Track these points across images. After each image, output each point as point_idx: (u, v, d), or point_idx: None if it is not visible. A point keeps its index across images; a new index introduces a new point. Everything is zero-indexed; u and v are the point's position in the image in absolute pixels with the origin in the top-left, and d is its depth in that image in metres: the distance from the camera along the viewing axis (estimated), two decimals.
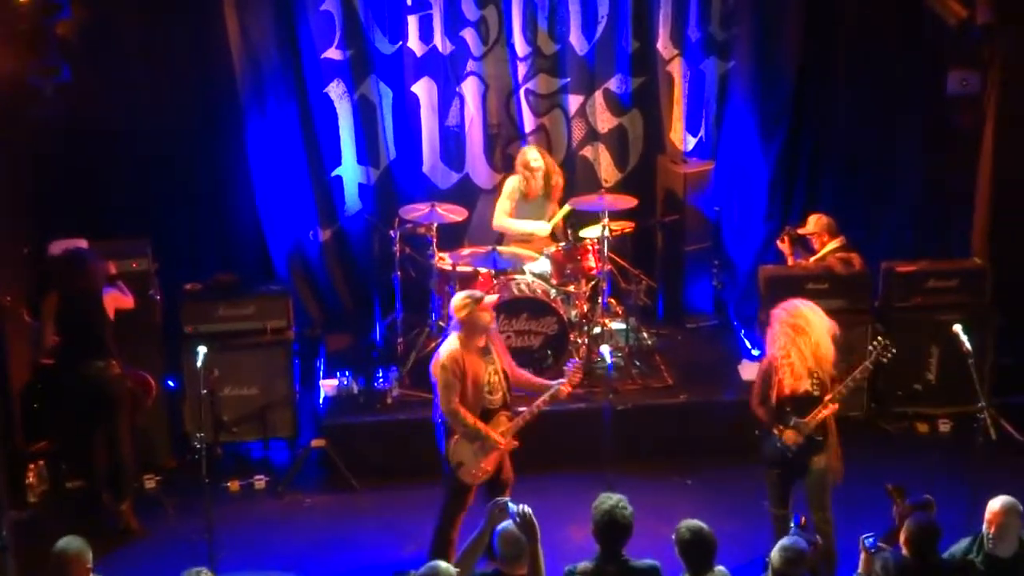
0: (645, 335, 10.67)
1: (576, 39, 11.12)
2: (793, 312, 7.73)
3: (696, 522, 6.13)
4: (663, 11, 11.10)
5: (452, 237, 10.76)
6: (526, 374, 8.40)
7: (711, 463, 9.45)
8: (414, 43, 10.97)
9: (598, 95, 11.31)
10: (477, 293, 7.94)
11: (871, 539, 6.52)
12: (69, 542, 6.30)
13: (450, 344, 7.75)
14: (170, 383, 9.88)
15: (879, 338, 7.92)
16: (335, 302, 11.47)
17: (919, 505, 7.28)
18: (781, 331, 7.71)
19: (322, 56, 10.88)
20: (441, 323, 9.84)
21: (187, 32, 10.39)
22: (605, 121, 11.39)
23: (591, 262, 10.10)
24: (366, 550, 8.70)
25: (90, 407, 8.82)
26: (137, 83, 10.22)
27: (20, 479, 9.10)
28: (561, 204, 10.53)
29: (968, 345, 8.06)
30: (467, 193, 11.23)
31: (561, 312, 9.83)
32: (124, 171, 10.48)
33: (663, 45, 11.22)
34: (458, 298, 7.86)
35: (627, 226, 10.42)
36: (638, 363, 10.28)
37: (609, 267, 10.14)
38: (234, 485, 9.54)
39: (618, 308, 10.50)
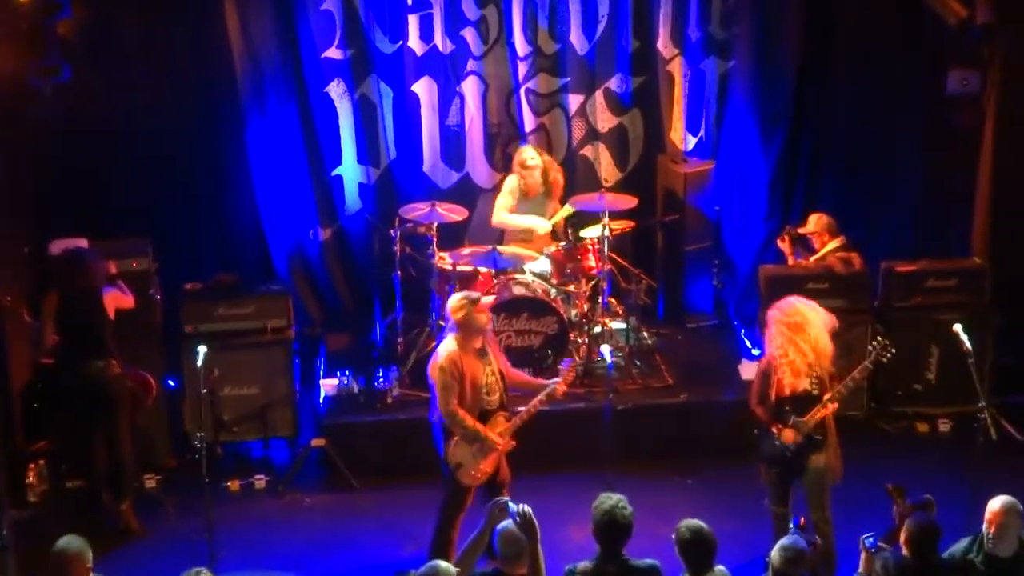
0: (645, 335, 10.68)
1: (576, 38, 11.12)
2: (788, 310, 7.73)
3: (696, 522, 6.14)
4: (663, 10, 11.10)
5: (452, 237, 10.76)
6: (521, 374, 8.42)
7: (711, 463, 9.45)
8: (414, 42, 10.97)
9: (598, 94, 11.31)
10: (473, 294, 7.93)
11: (871, 539, 6.53)
12: (69, 542, 6.30)
13: (448, 346, 7.73)
14: (170, 382, 9.88)
15: (878, 338, 7.93)
16: (335, 301, 11.48)
17: (919, 505, 7.28)
18: (778, 330, 7.72)
19: (322, 56, 10.89)
20: (441, 322, 9.81)
21: (187, 32, 10.39)
22: (605, 120, 11.39)
23: (591, 262, 10.11)
24: (366, 550, 8.71)
25: (90, 406, 8.82)
26: (137, 83, 10.21)
27: (20, 478, 9.10)
28: (562, 202, 10.52)
29: (968, 345, 8.07)
30: (467, 193, 11.23)
31: (561, 312, 9.83)
32: (124, 171, 10.48)
33: (663, 44, 11.22)
34: (454, 300, 7.85)
35: (627, 225, 10.43)
36: (638, 363, 10.28)
37: (609, 267, 10.14)
38: (234, 484, 9.54)
39: (618, 308, 10.50)
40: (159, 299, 9.67)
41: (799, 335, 7.64)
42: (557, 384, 8.05)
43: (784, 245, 10.40)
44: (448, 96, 11.12)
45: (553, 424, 9.58)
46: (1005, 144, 10.36)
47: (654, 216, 11.10)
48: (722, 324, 11.37)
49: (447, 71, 11.05)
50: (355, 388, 10.02)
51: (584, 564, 6.16)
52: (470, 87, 11.13)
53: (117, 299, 8.92)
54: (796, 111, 11.37)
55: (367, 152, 11.22)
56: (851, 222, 10.60)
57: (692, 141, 11.53)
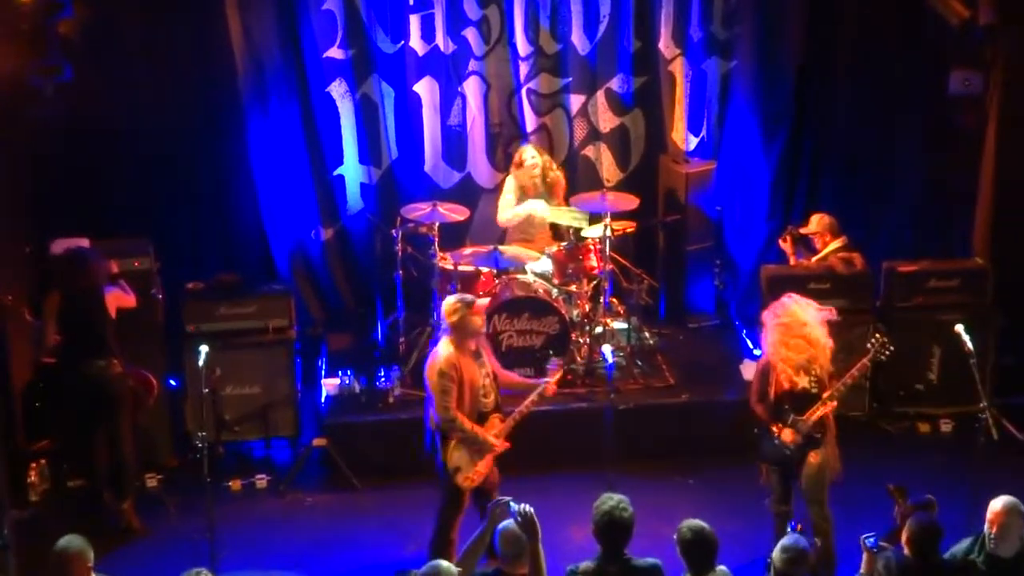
0: (647, 335, 10.67)
1: (578, 38, 11.12)
2: (780, 311, 7.76)
3: (698, 522, 6.13)
4: (665, 10, 11.09)
5: (454, 236, 10.76)
6: (512, 375, 8.41)
7: (713, 463, 9.45)
8: (416, 42, 10.97)
9: (600, 95, 11.31)
10: (468, 297, 7.91)
11: (872, 539, 6.52)
12: (70, 541, 6.30)
13: (445, 349, 7.69)
14: (172, 382, 9.89)
15: (877, 335, 7.92)
16: (337, 301, 11.48)
17: (920, 505, 7.28)
18: (772, 330, 7.75)
19: (324, 55, 10.88)
20: None
21: (189, 31, 10.39)
22: (607, 121, 11.39)
23: (593, 262, 10.11)
24: (368, 549, 8.71)
25: (91, 406, 8.82)
26: (139, 82, 10.21)
27: (22, 478, 9.10)
28: (564, 202, 10.53)
29: (970, 345, 8.06)
30: (469, 192, 11.23)
31: (563, 312, 9.83)
32: (126, 170, 10.49)
33: (665, 45, 11.22)
34: (449, 302, 7.81)
35: (629, 226, 10.42)
36: (640, 363, 10.28)
37: (611, 267, 10.13)
38: (236, 484, 9.54)
39: (620, 308, 10.50)
40: (161, 298, 9.67)
41: (792, 334, 7.65)
42: (547, 384, 8.05)
43: (786, 245, 10.40)
44: (450, 96, 11.12)
45: (554, 424, 9.59)
46: (1007, 144, 10.36)
47: (656, 216, 11.09)
48: (724, 324, 11.37)
49: (449, 71, 11.05)
50: (357, 388, 10.02)
51: (586, 564, 6.15)
52: (472, 87, 11.13)
53: (119, 298, 8.92)
54: (798, 111, 11.38)
55: (369, 152, 11.22)
56: (853, 222, 10.60)
57: (694, 141, 11.53)
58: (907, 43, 10.80)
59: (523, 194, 10.52)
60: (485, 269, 9.93)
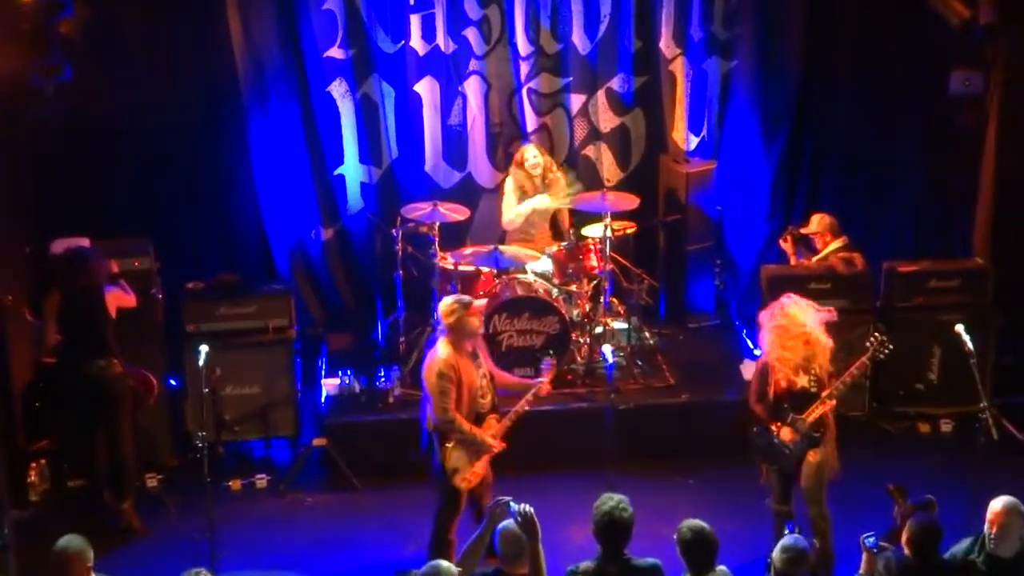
0: (647, 335, 10.67)
1: (578, 38, 11.12)
2: (777, 311, 7.76)
3: (698, 522, 6.13)
4: (665, 10, 11.09)
5: (454, 236, 10.76)
6: (507, 375, 8.40)
7: (713, 463, 9.44)
8: (416, 42, 10.97)
9: (600, 94, 11.30)
10: (465, 298, 7.90)
11: (872, 539, 6.52)
12: (70, 541, 6.29)
13: (443, 350, 7.66)
14: (172, 382, 9.89)
15: (876, 334, 7.91)
16: (337, 301, 11.48)
17: (921, 505, 7.29)
18: (768, 331, 7.76)
19: (324, 55, 10.89)
20: None
21: (190, 31, 10.40)
22: (607, 120, 11.39)
23: (593, 261, 10.11)
24: (368, 549, 8.71)
25: (92, 406, 8.82)
26: (140, 82, 10.22)
27: (22, 478, 9.10)
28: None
29: (970, 345, 8.05)
30: (469, 192, 11.23)
31: (563, 311, 9.83)
32: (127, 170, 10.49)
33: (665, 44, 11.22)
34: (446, 304, 7.79)
35: (629, 226, 10.42)
36: (640, 363, 10.28)
37: (611, 266, 10.13)
38: (236, 484, 9.54)
39: (620, 307, 10.50)
40: (161, 298, 9.67)
41: (789, 335, 7.65)
42: (541, 384, 8.04)
43: (786, 245, 10.40)
44: (450, 96, 11.12)
45: (554, 424, 9.59)
46: (1008, 144, 10.35)
47: (656, 216, 11.09)
48: (724, 324, 11.37)
49: (449, 71, 11.05)
50: (357, 388, 10.02)
51: (586, 564, 6.15)
52: (472, 87, 11.13)
53: (119, 298, 8.92)
54: (798, 111, 11.38)
55: (369, 152, 11.22)
56: (853, 222, 10.60)
57: (694, 141, 11.52)
58: (907, 43, 10.80)
59: (522, 194, 10.52)
60: (485, 269, 9.93)
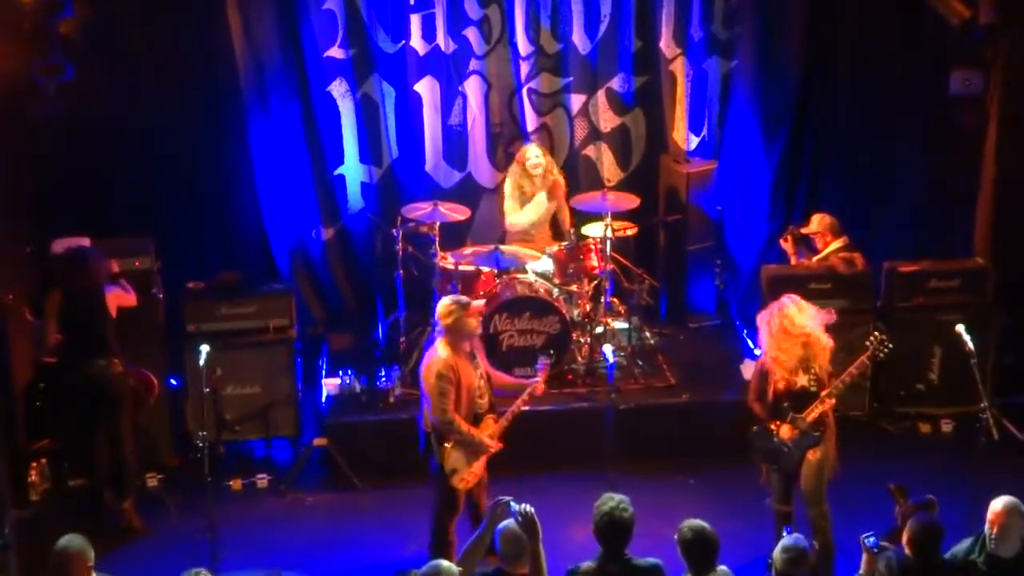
0: (647, 334, 10.68)
1: (579, 38, 11.12)
2: (776, 313, 7.75)
3: (698, 522, 6.14)
4: (666, 10, 11.09)
5: (455, 236, 10.77)
6: (503, 375, 8.39)
7: (713, 463, 9.44)
8: (417, 42, 10.97)
9: (601, 94, 11.31)
10: (464, 299, 7.87)
11: (872, 538, 6.51)
12: (71, 540, 6.29)
13: (441, 351, 7.64)
14: (172, 381, 9.89)
15: (876, 334, 7.91)
16: (338, 301, 11.48)
17: (921, 505, 7.30)
18: (766, 331, 7.75)
19: (325, 55, 10.89)
20: None
21: (190, 31, 10.39)
22: (608, 120, 11.39)
23: (594, 261, 10.11)
24: (368, 549, 8.71)
25: (92, 405, 8.82)
26: (140, 82, 10.21)
27: (22, 477, 9.10)
28: (564, 204, 10.54)
29: (971, 345, 8.06)
30: (469, 192, 11.23)
31: (564, 311, 9.83)
32: (127, 169, 10.49)
33: (666, 44, 11.22)
34: (444, 304, 7.75)
35: (629, 226, 10.42)
36: (640, 362, 10.28)
37: (612, 266, 10.14)
38: (236, 484, 9.55)
39: (620, 307, 10.50)
40: (161, 298, 9.68)
41: (785, 336, 7.64)
42: (536, 383, 8.01)
43: (787, 245, 10.40)
44: (450, 96, 11.12)
45: (555, 424, 9.60)
46: (1008, 144, 10.35)
47: (656, 216, 11.09)
48: (724, 324, 11.37)
49: (449, 70, 11.05)
50: (357, 387, 10.02)
51: (587, 564, 6.15)
52: (472, 87, 11.13)
53: (119, 298, 8.92)
54: (799, 111, 11.38)
55: (369, 151, 11.22)
56: (854, 222, 10.60)
57: (694, 141, 11.52)
58: (907, 43, 10.80)
59: (521, 194, 10.51)
60: (486, 269, 9.93)
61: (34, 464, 9.28)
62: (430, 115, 11.17)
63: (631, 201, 10.37)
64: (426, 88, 11.09)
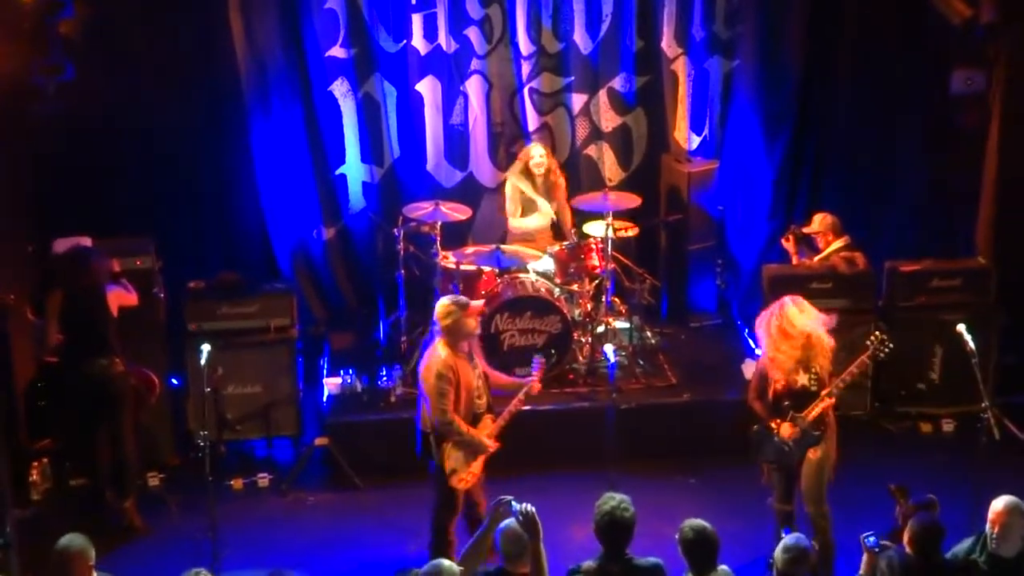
0: (649, 334, 10.67)
1: (580, 38, 11.12)
2: (776, 313, 7.74)
3: (699, 521, 6.13)
4: (667, 10, 11.10)
5: (456, 235, 10.77)
6: (499, 374, 8.39)
7: (714, 462, 9.44)
8: (418, 41, 10.97)
9: (602, 94, 11.31)
10: (462, 299, 7.85)
11: (872, 538, 6.51)
12: (72, 540, 6.29)
13: (440, 352, 7.62)
14: (174, 381, 9.89)
15: (876, 333, 7.91)
16: (339, 300, 11.48)
17: (922, 505, 7.29)
18: (766, 332, 7.74)
19: (326, 54, 10.89)
20: None
21: (191, 30, 10.40)
22: (609, 120, 11.39)
23: (595, 261, 10.11)
24: (369, 548, 8.71)
25: (93, 405, 8.83)
26: (141, 82, 10.21)
27: (24, 477, 9.11)
28: (565, 205, 10.54)
29: (972, 345, 8.06)
30: (471, 192, 11.24)
31: (565, 311, 9.83)
32: (128, 169, 10.49)
33: (667, 44, 11.22)
34: (443, 304, 7.73)
35: (631, 225, 10.42)
36: (642, 362, 10.28)
37: (613, 266, 10.14)
38: (237, 483, 9.55)
39: (622, 307, 10.50)
40: (163, 297, 9.68)
41: (784, 336, 7.63)
42: (532, 382, 8.00)
43: (788, 244, 10.39)
44: (452, 95, 11.12)
45: (556, 423, 9.60)
46: (1010, 143, 10.35)
47: (658, 215, 11.10)
48: (726, 323, 11.37)
49: (451, 70, 11.05)
50: (358, 387, 10.02)
51: (588, 563, 6.15)
52: (474, 86, 11.13)
53: (121, 297, 8.92)
54: (800, 110, 11.38)
55: (371, 151, 11.22)
56: (855, 221, 10.59)
57: (696, 140, 11.53)
58: (908, 43, 10.80)
59: (522, 195, 10.51)
60: (487, 268, 9.93)
61: (35, 463, 9.29)
62: (431, 115, 11.17)
63: (632, 201, 10.37)
64: (427, 88, 11.09)
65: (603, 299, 10.27)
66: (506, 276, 9.93)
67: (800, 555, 6.10)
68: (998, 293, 10.24)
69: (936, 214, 11.15)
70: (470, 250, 10.19)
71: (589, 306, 10.25)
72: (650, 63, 11.24)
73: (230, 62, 10.61)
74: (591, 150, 11.45)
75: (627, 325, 10.47)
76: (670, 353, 10.59)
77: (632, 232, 10.46)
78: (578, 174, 11.26)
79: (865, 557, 6.49)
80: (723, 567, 6.14)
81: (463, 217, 10.37)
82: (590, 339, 10.15)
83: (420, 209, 10.11)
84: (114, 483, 8.94)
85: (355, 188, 11.29)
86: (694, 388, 10.07)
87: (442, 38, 10.96)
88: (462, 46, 11.00)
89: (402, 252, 10.22)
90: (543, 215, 10.53)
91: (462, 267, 9.89)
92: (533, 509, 5.93)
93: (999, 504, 6.43)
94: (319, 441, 9.70)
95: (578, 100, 11.29)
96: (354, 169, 11.25)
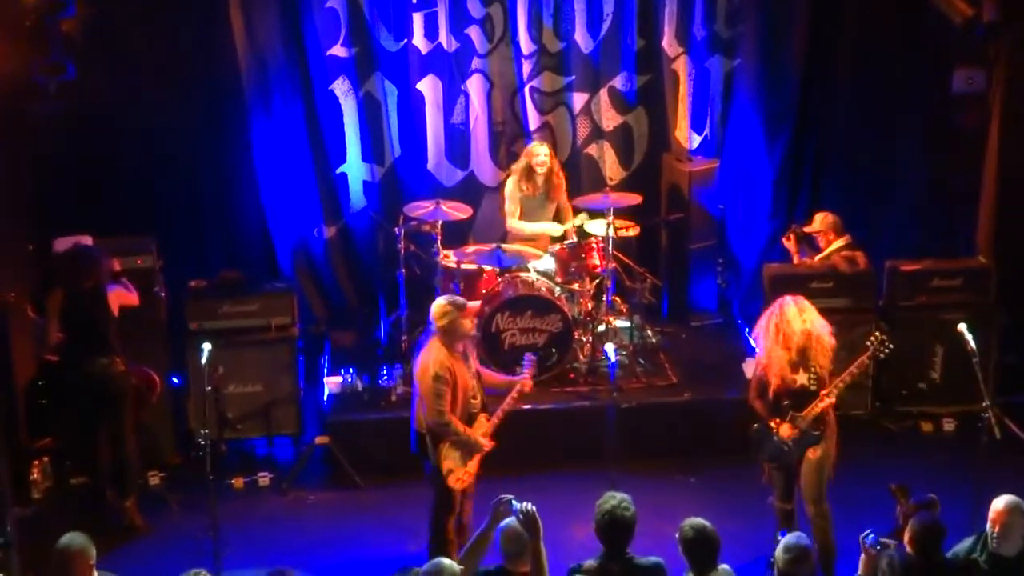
0: (649, 333, 10.68)
1: (581, 37, 11.12)
2: (775, 313, 7.74)
3: (700, 520, 6.13)
4: (668, 9, 11.10)
5: (457, 235, 10.77)
6: (492, 373, 8.38)
7: (715, 461, 9.44)
8: (419, 40, 10.97)
9: (603, 93, 11.31)
10: (459, 300, 7.85)
11: (871, 536, 6.50)
12: (72, 539, 6.28)
13: (436, 352, 7.61)
14: (174, 380, 9.89)
15: (876, 333, 7.91)
16: (340, 299, 11.48)
17: (923, 504, 7.28)
18: (763, 331, 7.75)
19: (327, 53, 10.89)
20: None
21: (192, 30, 10.40)
22: (610, 119, 11.39)
23: (595, 260, 10.11)
24: (370, 547, 8.71)
25: (94, 404, 8.83)
26: (142, 81, 10.21)
27: (24, 476, 9.11)
28: (567, 204, 10.55)
29: (973, 344, 8.05)
30: (472, 191, 11.24)
31: (565, 310, 9.83)
32: (129, 168, 10.49)
33: (668, 43, 11.22)
34: (439, 304, 7.72)
35: (631, 225, 10.42)
36: (642, 361, 10.28)
37: (613, 265, 10.14)
38: (238, 482, 9.55)
39: (622, 306, 10.50)
40: (163, 296, 9.68)
41: (780, 335, 7.63)
42: (524, 380, 7.98)
43: (790, 244, 10.39)
44: (453, 94, 11.12)
45: (557, 422, 9.60)
46: (1011, 142, 10.35)
47: (659, 214, 11.10)
48: (726, 323, 11.36)
49: (452, 69, 11.05)
50: (359, 386, 10.02)
51: (589, 563, 6.15)
52: (475, 85, 11.13)
53: (121, 296, 8.92)
54: (801, 110, 11.38)
55: (372, 150, 11.22)
56: (856, 221, 10.59)
57: (697, 139, 11.52)
58: (908, 42, 10.81)
59: (523, 195, 10.50)
60: (488, 267, 9.93)
61: (36, 462, 9.28)
62: (432, 113, 11.17)
63: (633, 200, 10.36)
64: (428, 86, 11.09)
65: (604, 298, 10.27)
66: (507, 275, 9.93)
67: (801, 554, 6.09)
68: (998, 293, 10.24)
69: (936, 214, 11.15)
70: (471, 249, 10.19)
71: (590, 305, 10.25)
72: (651, 62, 11.24)
73: (231, 61, 10.61)
74: (592, 149, 11.45)
75: (628, 324, 10.47)
76: (671, 352, 10.59)
77: (633, 231, 10.46)
78: (579, 173, 11.26)
79: (863, 557, 6.49)
80: (724, 566, 6.15)
81: (464, 216, 10.37)
82: (591, 338, 10.15)
83: (421, 208, 10.11)
84: (115, 482, 8.95)
85: (356, 187, 11.29)
86: (695, 387, 10.07)
87: (443, 37, 10.97)
88: (463, 45, 11.00)
89: (403, 251, 10.22)
90: (548, 226, 10.50)
91: (463, 266, 9.89)
92: (533, 508, 5.93)
93: (1000, 503, 6.43)
94: (320, 440, 9.71)
95: (579, 99, 11.29)
96: (355, 168, 11.25)
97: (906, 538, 6.45)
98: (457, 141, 11.26)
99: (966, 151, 10.69)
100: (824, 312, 7.86)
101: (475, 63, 11.08)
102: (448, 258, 10.01)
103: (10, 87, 8.99)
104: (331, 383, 10.11)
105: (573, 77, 11.21)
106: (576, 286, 10.16)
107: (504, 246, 10.01)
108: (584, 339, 10.14)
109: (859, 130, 11.25)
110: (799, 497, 7.84)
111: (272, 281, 10.47)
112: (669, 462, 9.55)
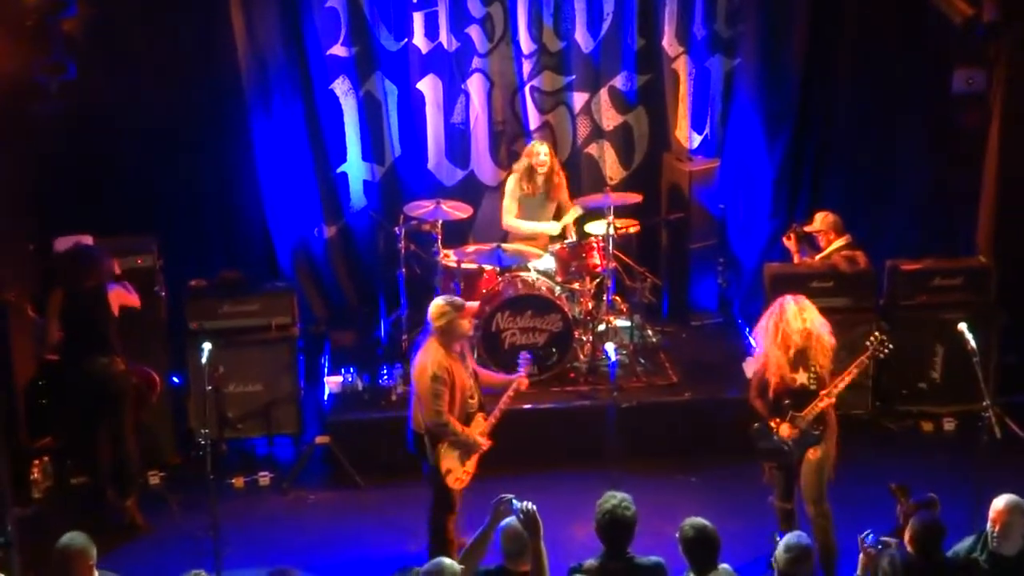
0: (650, 333, 10.68)
1: (581, 36, 11.12)
2: (775, 312, 7.73)
3: (700, 520, 6.13)
4: (669, 8, 11.10)
5: (457, 234, 10.78)
6: (489, 372, 8.40)
7: (715, 461, 9.44)
8: (419, 40, 10.97)
9: (603, 92, 11.31)
10: (457, 300, 7.85)
11: (871, 536, 6.50)
12: (73, 538, 6.28)
13: (434, 352, 7.62)
14: (175, 379, 9.90)
15: (876, 333, 7.91)
16: (340, 299, 11.48)
17: (923, 504, 7.29)
18: (763, 331, 7.75)
19: (327, 53, 10.89)
20: None
21: (193, 30, 10.40)
22: (610, 118, 11.39)
23: (596, 259, 10.11)
24: (370, 546, 8.71)
25: (94, 403, 8.83)
26: (143, 80, 10.21)
27: (24, 475, 9.11)
28: (568, 204, 10.55)
29: (973, 344, 8.05)
30: (472, 190, 11.24)
31: (566, 309, 9.83)
32: (130, 168, 10.49)
33: (669, 42, 11.22)
34: (437, 305, 7.73)
35: (632, 224, 10.42)
36: (643, 361, 10.28)
37: (614, 264, 10.14)
38: (238, 481, 9.55)
39: (623, 305, 10.50)
40: (164, 296, 9.67)
41: (779, 335, 7.63)
42: (519, 379, 8.00)
43: (790, 243, 10.39)
44: (453, 94, 11.13)
45: (557, 422, 9.60)
46: (1011, 142, 10.35)
47: (659, 214, 11.10)
48: (727, 322, 11.37)
49: (452, 68, 11.06)
50: (359, 385, 10.03)
51: (589, 562, 6.15)
52: (475, 85, 11.13)
53: (122, 297, 8.91)
54: (801, 109, 11.38)
55: (372, 149, 11.23)
56: (856, 220, 10.59)
57: (697, 139, 11.53)
58: (908, 42, 10.81)
59: (523, 195, 10.50)
60: (488, 267, 9.93)
61: (36, 462, 9.28)
62: (432, 113, 11.18)
63: (633, 199, 10.36)
64: (428, 86, 11.10)
65: (604, 297, 10.27)
66: (507, 275, 9.93)
67: (802, 554, 6.09)
68: (999, 292, 10.24)
69: (937, 213, 11.15)
70: (471, 248, 10.19)
71: (590, 304, 10.25)
72: (651, 62, 11.25)
73: (231, 61, 10.61)
74: (592, 149, 11.45)
75: (628, 324, 10.47)
76: (671, 352, 10.59)
77: (633, 231, 10.46)
78: (579, 173, 11.27)
79: (862, 557, 6.49)
80: (724, 566, 6.14)
81: (464, 216, 10.37)
82: (591, 338, 10.16)
83: (421, 207, 10.11)
84: (115, 482, 8.94)
85: (356, 186, 11.30)
86: (695, 387, 10.07)
87: (443, 36, 10.97)
88: (463, 44, 11.00)
89: (403, 250, 10.22)
90: (549, 226, 10.50)
91: (463, 265, 9.90)
92: (534, 507, 5.92)
93: (1000, 503, 6.43)
94: (320, 439, 9.71)
95: (579, 99, 11.29)
96: (355, 167, 11.26)
97: (906, 538, 6.45)
98: (457, 140, 11.27)
99: (966, 151, 10.69)
100: (824, 312, 7.86)
101: (475, 62, 11.08)
102: (448, 258, 10.01)
103: (11, 87, 8.99)
104: (331, 383, 10.11)
105: (573, 76, 11.22)
106: (576, 285, 10.16)
107: (504, 245, 10.01)
108: (584, 338, 10.14)
109: (859, 130, 11.25)
110: (799, 497, 7.84)
111: (272, 281, 10.48)
112: (669, 462, 9.55)
